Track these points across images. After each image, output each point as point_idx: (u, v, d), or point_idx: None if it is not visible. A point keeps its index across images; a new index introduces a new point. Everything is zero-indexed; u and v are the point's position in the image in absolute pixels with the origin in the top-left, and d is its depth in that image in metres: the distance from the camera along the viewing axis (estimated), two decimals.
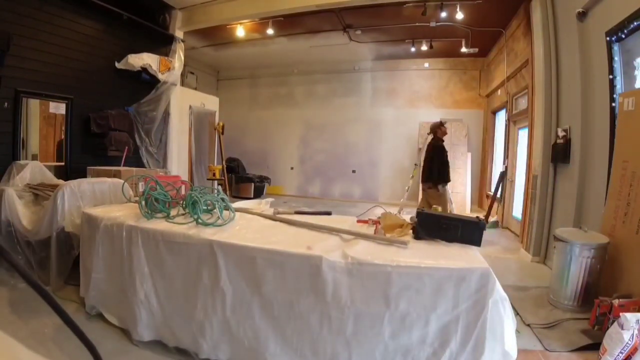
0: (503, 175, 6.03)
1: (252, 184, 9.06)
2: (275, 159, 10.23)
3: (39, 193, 3.43)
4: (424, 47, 7.47)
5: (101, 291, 2.39)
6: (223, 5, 6.05)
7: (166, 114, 6.34)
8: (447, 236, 1.99)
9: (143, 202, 2.32)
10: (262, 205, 3.03)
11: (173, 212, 2.39)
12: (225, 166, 6.79)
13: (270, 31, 6.72)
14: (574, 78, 3.79)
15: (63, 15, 4.72)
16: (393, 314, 1.69)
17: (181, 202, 2.46)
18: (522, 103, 5.83)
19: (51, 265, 2.83)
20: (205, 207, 2.39)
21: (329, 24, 6.78)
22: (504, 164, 6.54)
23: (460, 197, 7.85)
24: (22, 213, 3.19)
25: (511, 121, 6.46)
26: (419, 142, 8.27)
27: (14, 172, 3.86)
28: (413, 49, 7.67)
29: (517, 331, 1.79)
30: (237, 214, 2.50)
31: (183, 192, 2.64)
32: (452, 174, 5.63)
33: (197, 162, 7.82)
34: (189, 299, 2.02)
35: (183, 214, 2.39)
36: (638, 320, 1.95)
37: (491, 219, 6.27)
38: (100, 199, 3.09)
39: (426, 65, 8.93)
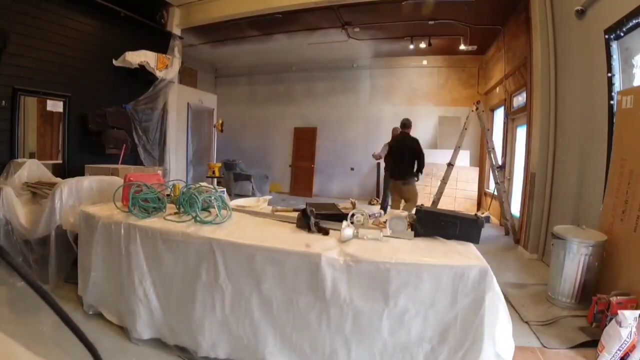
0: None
1: (251, 182, 9.05)
2: (274, 157, 10.21)
3: (37, 191, 3.42)
4: (423, 45, 7.47)
5: (100, 290, 2.38)
6: (221, 2, 6.03)
7: (164, 112, 6.32)
8: (446, 233, 2.00)
9: (133, 209, 2.32)
10: (261, 202, 3.02)
11: (168, 211, 2.38)
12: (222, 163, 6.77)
13: (268, 28, 6.69)
14: (573, 76, 3.79)
15: (60, 12, 4.70)
16: (392, 311, 1.70)
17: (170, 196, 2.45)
18: (521, 101, 5.83)
19: (50, 264, 2.82)
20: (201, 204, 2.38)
21: (328, 21, 6.76)
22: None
23: (460, 194, 7.87)
24: (20, 211, 3.18)
25: (509, 119, 6.47)
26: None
27: (11, 170, 3.84)
28: (412, 47, 7.66)
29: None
30: (235, 211, 2.50)
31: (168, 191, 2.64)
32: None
33: (195, 160, 7.80)
34: (187, 296, 2.02)
35: (177, 213, 2.38)
36: (636, 318, 1.96)
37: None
38: (98, 197, 3.07)
39: (425, 62, 8.91)
